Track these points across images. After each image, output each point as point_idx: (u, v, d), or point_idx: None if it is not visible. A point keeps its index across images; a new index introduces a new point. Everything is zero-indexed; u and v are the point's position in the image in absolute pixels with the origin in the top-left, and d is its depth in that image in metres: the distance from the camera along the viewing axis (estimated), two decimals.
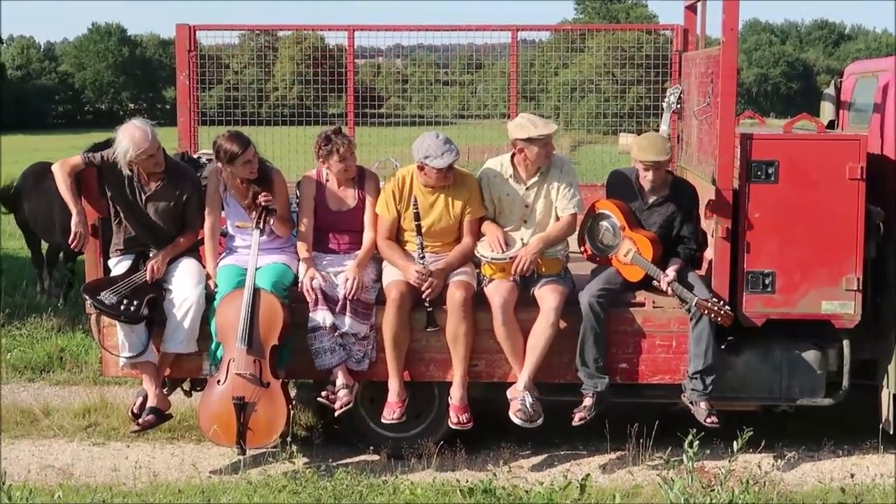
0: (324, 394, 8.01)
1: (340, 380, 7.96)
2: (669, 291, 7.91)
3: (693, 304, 7.79)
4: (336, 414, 8.01)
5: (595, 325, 7.92)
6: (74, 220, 8.00)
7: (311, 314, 7.97)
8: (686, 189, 8.37)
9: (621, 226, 8.10)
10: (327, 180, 8.41)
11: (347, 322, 7.97)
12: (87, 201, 8.20)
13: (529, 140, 8.03)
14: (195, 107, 10.45)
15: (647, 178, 8.09)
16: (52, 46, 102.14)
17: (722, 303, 7.80)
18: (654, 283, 8.00)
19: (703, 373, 7.90)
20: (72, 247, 8.12)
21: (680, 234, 8.14)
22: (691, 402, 7.99)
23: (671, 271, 7.91)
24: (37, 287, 13.93)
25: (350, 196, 8.41)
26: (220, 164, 8.17)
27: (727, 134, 8.00)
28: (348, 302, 7.96)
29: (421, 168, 8.10)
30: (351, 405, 8.00)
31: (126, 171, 8.08)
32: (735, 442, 5.71)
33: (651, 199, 8.19)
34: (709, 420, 7.83)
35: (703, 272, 8.31)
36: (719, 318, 7.76)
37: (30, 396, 9.91)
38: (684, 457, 5.72)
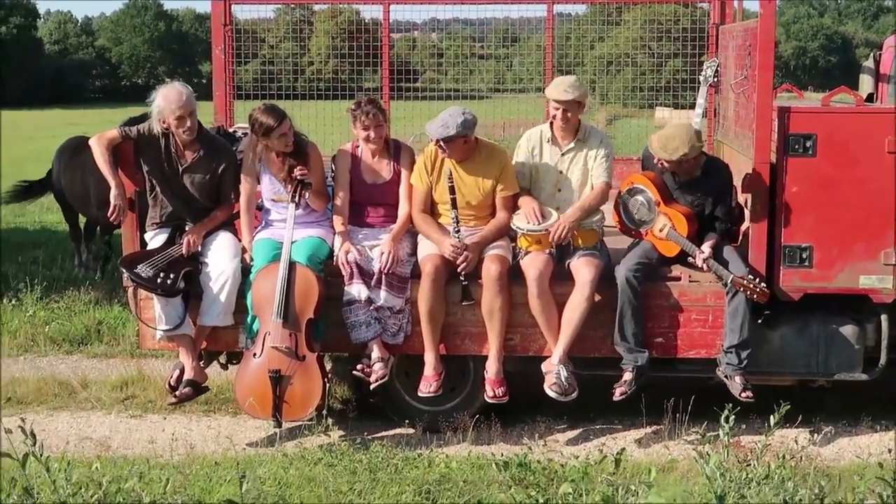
0: (359, 367, 8.03)
1: (376, 353, 7.98)
2: (705, 268, 7.87)
3: (729, 281, 7.75)
4: (371, 387, 8.03)
5: (632, 299, 7.90)
6: (113, 192, 8.04)
7: (346, 287, 7.98)
8: (719, 170, 8.32)
9: (656, 201, 8.07)
10: (362, 153, 8.43)
11: (383, 296, 7.98)
12: (124, 175, 8.24)
13: (550, 98, 8.18)
14: (231, 81, 10.46)
15: (668, 170, 8.10)
16: (90, 21, 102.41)
17: (758, 280, 7.75)
18: (690, 259, 7.97)
19: (738, 347, 7.86)
20: (111, 219, 8.18)
21: (714, 213, 8.10)
22: (726, 377, 7.96)
23: (707, 247, 7.87)
24: (74, 261, 14.02)
25: (385, 169, 8.43)
26: (255, 137, 8.19)
27: (765, 107, 7.94)
28: (383, 276, 7.97)
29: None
30: (386, 378, 8.01)
31: (161, 137, 8.10)
32: (772, 417, 5.68)
33: (683, 179, 8.15)
34: (744, 395, 7.81)
35: (738, 244, 8.27)
36: (755, 296, 7.72)
37: (68, 369, 9.98)
38: (720, 431, 5.70)
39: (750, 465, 5.67)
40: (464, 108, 8.29)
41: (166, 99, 8.01)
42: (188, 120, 8.07)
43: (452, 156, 8.15)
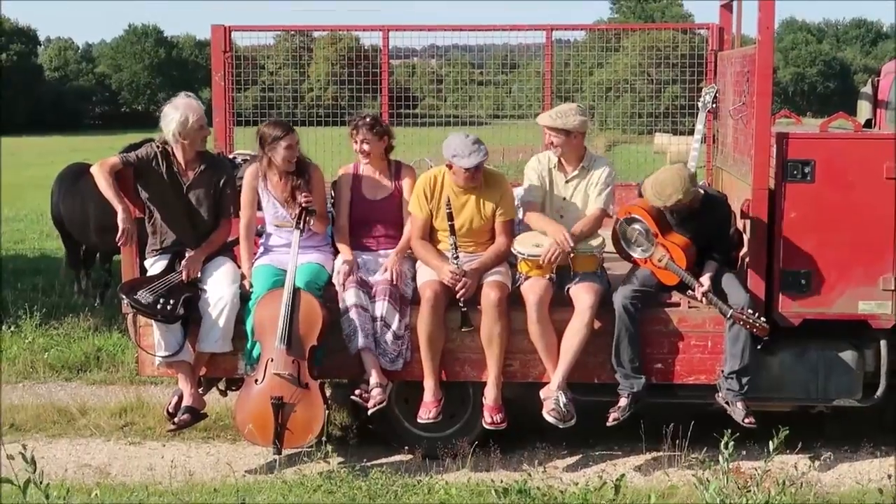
0: (357, 392, 8.01)
1: (374, 378, 7.96)
2: (705, 302, 7.87)
3: (729, 316, 7.75)
4: (369, 412, 8.01)
5: (629, 325, 7.90)
6: (121, 217, 8.05)
7: (342, 295, 7.99)
8: (718, 205, 8.33)
9: (654, 232, 8.08)
10: (363, 171, 8.55)
11: (381, 306, 7.98)
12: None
13: (545, 126, 8.24)
14: (230, 107, 10.49)
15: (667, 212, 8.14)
16: (90, 48, 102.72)
17: (757, 315, 7.75)
18: (689, 292, 7.97)
19: (738, 373, 7.86)
20: (119, 244, 8.18)
21: (712, 245, 8.12)
22: (727, 403, 7.94)
23: (706, 280, 7.87)
24: (74, 287, 14.02)
25: (386, 185, 8.55)
26: (261, 152, 8.30)
27: (763, 133, 7.96)
28: (385, 287, 8.02)
29: (450, 167, 8.15)
30: (384, 404, 7.99)
31: (161, 159, 8.15)
32: (771, 442, 5.68)
33: (680, 216, 8.17)
34: (746, 420, 7.80)
35: (737, 270, 8.27)
36: (755, 330, 7.72)
37: (67, 396, 9.97)
38: (720, 457, 5.70)
39: (750, 491, 5.67)
40: (465, 132, 8.35)
41: (191, 108, 8.12)
42: (206, 129, 8.22)
43: (472, 182, 8.16)
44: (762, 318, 7.75)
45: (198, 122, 8.13)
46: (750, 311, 7.76)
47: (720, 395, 8.00)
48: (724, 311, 7.78)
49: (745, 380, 7.88)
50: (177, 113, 8.08)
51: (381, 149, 8.53)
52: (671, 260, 7.96)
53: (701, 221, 8.12)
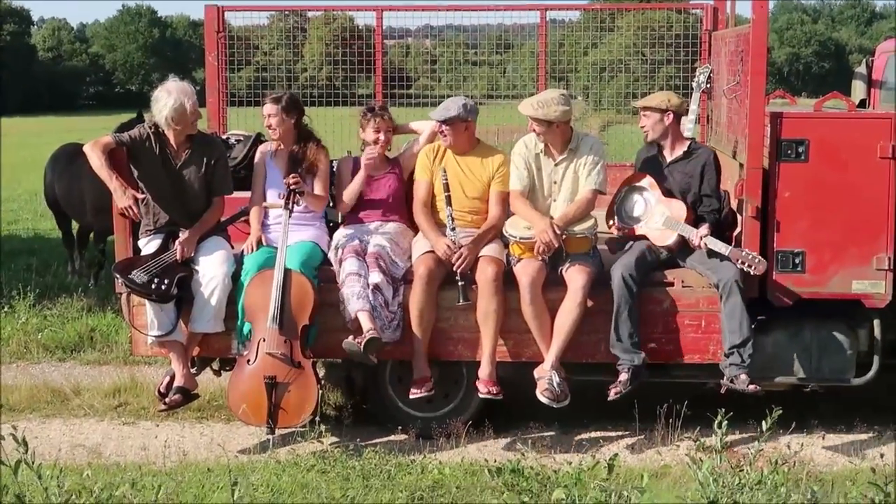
0: (350, 338, 7.92)
1: (367, 324, 7.87)
2: (702, 246, 7.88)
3: (727, 254, 7.77)
4: (362, 346, 7.83)
5: (628, 298, 7.90)
6: (118, 195, 8.04)
7: (343, 264, 8.01)
8: (702, 148, 8.51)
9: (658, 194, 8.13)
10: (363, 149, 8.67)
11: (376, 276, 8.01)
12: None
13: (529, 116, 8.20)
14: (224, 88, 10.48)
15: (644, 128, 8.37)
16: (84, 28, 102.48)
17: (755, 255, 7.78)
18: (689, 238, 7.97)
19: (739, 346, 7.84)
20: (129, 216, 8.17)
21: (701, 192, 8.18)
22: (731, 380, 7.91)
23: (703, 228, 7.93)
24: (68, 268, 14.01)
25: (385, 163, 8.66)
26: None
27: (757, 112, 7.95)
28: (375, 260, 8.06)
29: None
30: (380, 342, 7.88)
31: (154, 139, 8.15)
32: (764, 421, 5.68)
33: (670, 158, 8.33)
34: (751, 387, 7.76)
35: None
36: (752, 268, 7.74)
37: (60, 376, 9.96)
38: (713, 437, 5.70)
39: (743, 470, 5.66)
40: (465, 97, 8.44)
41: (184, 92, 8.12)
42: (197, 111, 8.23)
43: (454, 142, 8.24)
44: (759, 256, 7.78)
45: (192, 107, 8.13)
46: (747, 251, 7.81)
47: (725, 374, 7.96)
48: (722, 249, 7.81)
49: (746, 352, 7.85)
50: (170, 98, 8.06)
51: (391, 138, 8.66)
52: (671, 217, 8.02)
53: (688, 164, 8.27)
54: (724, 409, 5.81)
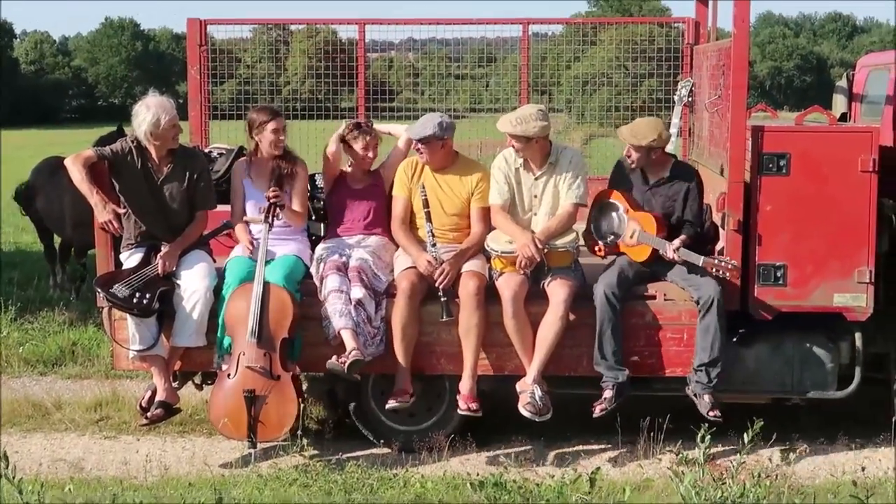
0: (333, 358, 7.91)
1: (350, 343, 7.88)
2: (676, 258, 7.88)
3: (701, 264, 7.78)
4: (346, 367, 7.81)
5: (611, 315, 7.91)
6: (98, 209, 8.03)
7: (325, 280, 7.99)
8: (687, 170, 8.40)
9: (625, 208, 8.13)
10: (351, 167, 8.69)
11: (358, 292, 7.98)
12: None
13: (510, 134, 8.15)
14: (206, 101, 10.48)
15: (631, 158, 8.21)
16: (66, 41, 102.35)
17: (728, 259, 7.80)
18: (663, 253, 7.97)
19: (708, 365, 7.88)
20: (110, 231, 8.15)
21: (683, 216, 8.15)
22: (695, 395, 7.97)
23: (677, 241, 7.91)
24: (49, 281, 13.96)
25: (368, 175, 8.68)
26: (249, 139, 8.52)
27: (739, 126, 7.98)
28: (357, 274, 8.02)
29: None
30: (363, 361, 7.87)
31: (136, 154, 8.12)
32: (746, 434, 5.69)
33: (652, 181, 8.26)
34: (711, 413, 7.81)
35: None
36: (727, 274, 7.76)
37: (41, 390, 9.91)
38: (696, 450, 5.71)
39: (725, 483, 5.68)
40: (442, 113, 8.44)
41: (164, 108, 8.08)
42: (178, 126, 8.20)
43: (430, 160, 8.25)
44: (734, 261, 7.79)
45: (170, 122, 8.09)
46: (720, 256, 7.83)
47: (689, 387, 8.02)
48: (695, 260, 7.81)
49: (714, 372, 7.91)
50: (149, 113, 8.04)
51: (377, 153, 8.67)
52: (642, 230, 8.01)
53: (672, 187, 8.21)
54: (706, 423, 5.83)
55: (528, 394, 7.88)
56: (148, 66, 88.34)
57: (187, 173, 8.25)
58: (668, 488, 6.77)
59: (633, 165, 8.22)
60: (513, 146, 8.18)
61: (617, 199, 8.22)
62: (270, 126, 8.37)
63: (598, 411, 8.01)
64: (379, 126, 9.01)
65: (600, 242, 8.31)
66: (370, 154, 8.55)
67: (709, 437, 5.66)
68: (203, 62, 10.40)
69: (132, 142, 8.20)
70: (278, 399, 7.88)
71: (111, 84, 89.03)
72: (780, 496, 6.22)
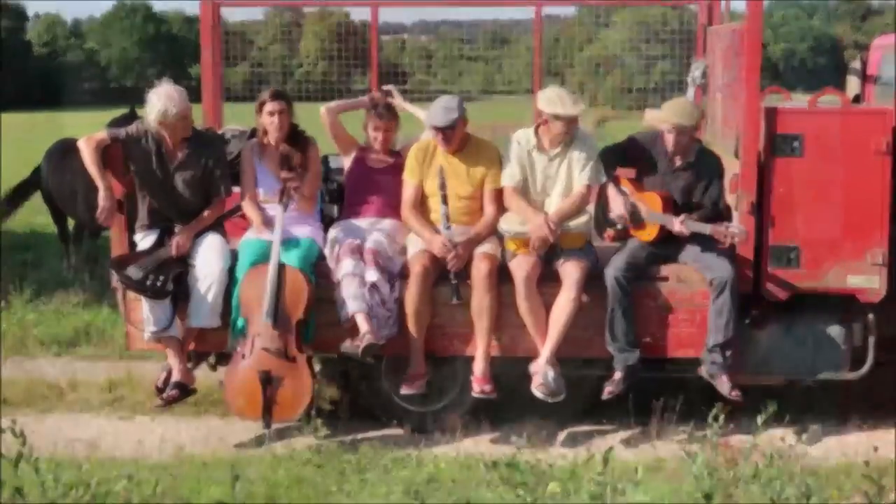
0: (347, 342, 7.95)
1: (364, 327, 7.92)
2: (684, 230, 7.88)
3: (709, 232, 7.78)
4: (360, 351, 7.87)
5: (622, 298, 7.92)
6: (101, 194, 8.05)
7: (339, 264, 7.99)
8: (711, 157, 8.38)
9: (630, 191, 8.14)
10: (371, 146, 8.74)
11: (373, 274, 7.99)
12: (114, 177, 8.25)
13: (556, 116, 8.06)
14: (219, 83, 10.48)
15: (669, 141, 8.13)
16: (79, 23, 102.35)
17: (734, 224, 7.82)
18: (670, 228, 7.97)
19: (722, 346, 7.89)
20: (99, 221, 8.19)
21: (702, 202, 8.15)
22: (711, 376, 7.99)
23: (683, 215, 7.93)
24: (63, 263, 14.00)
25: (389, 155, 8.69)
26: (257, 120, 8.51)
27: (752, 108, 7.97)
28: (372, 255, 8.04)
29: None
30: (378, 344, 7.90)
31: (151, 139, 8.14)
32: (759, 416, 5.70)
33: (677, 164, 8.21)
34: (733, 393, 7.82)
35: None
36: (735, 238, 7.78)
37: (56, 371, 9.94)
38: (708, 431, 5.72)
39: (738, 464, 5.68)
40: (452, 94, 8.45)
41: (171, 99, 8.06)
42: (189, 118, 8.20)
43: (453, 143, 8.21)
44: (741, 227, 7.81)
45: (178, 115, 8.08)
46: (727, 223, 7.84)
47: (703, 367, 8.03)
48: (703, 229, 7.83)
49: (728, 353, 7.92)
50: (158, 103, 8.05)
51: (395, 135, 8.69)
52: (649, 210, 8.03)
53: (693, 173, 8.20)
54: (719, 404, 5.84)
55: (542, 375, 7.89)
56: (160, 49, 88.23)
57: (203, 160, 8.25)
58: (680, 468, 6.78)
59: (673, 148, 8.18)
60: (551, 128, 8.14)
61: (622, 181, 8.24)
62: (266, 108, 8.35)
63: (606, 393, 8.03)
64: (402, 103, 9.01)
65: (609, 229, 8.32)
66: (380, 138, 8.55)
67: (722, 416, 5.67)
68: (216, 45, 10.39)
69: (147, 125, 8.21)
70: (293, 380, 7.90)
71: (123, 66, 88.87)
72: (792, 477, 6.22)
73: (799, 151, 7.90)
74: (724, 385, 7.89)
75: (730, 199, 8.32)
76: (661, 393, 8.18)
